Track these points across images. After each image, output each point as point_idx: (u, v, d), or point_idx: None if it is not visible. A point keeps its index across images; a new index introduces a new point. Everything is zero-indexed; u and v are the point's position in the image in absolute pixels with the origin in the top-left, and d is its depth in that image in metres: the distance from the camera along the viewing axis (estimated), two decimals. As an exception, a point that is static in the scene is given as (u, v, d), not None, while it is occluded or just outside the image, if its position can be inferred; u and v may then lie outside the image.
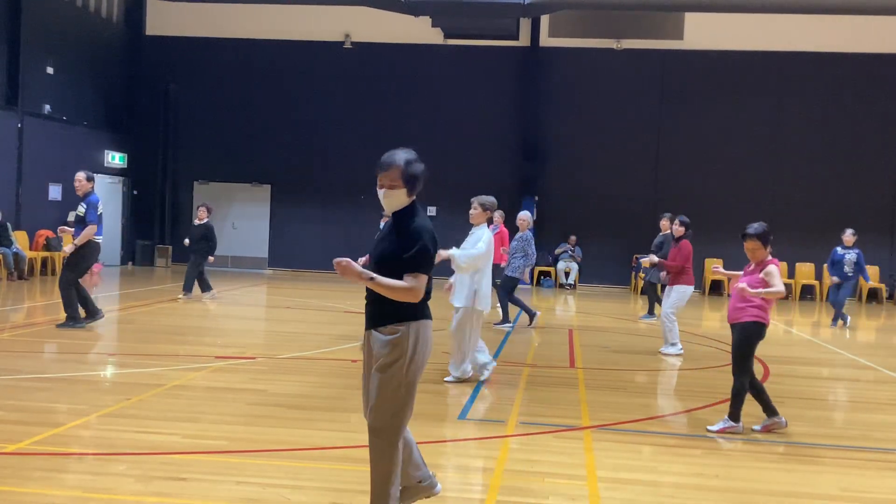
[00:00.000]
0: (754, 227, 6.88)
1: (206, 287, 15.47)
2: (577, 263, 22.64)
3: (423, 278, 4.15)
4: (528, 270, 13.29)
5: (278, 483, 5.13)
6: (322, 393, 7.81)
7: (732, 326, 6.91)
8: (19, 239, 18.54)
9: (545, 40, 23.01)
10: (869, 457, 6.39)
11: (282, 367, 9.13)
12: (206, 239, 15.25)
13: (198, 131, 23.99)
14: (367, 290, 4.25)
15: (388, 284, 4.10)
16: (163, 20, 24.07)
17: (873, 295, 21.43)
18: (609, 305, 18.26)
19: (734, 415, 6.84)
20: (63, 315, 11.19)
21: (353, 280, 4.09)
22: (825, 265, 16.68)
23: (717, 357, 10.85)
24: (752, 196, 21.98)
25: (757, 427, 6.92)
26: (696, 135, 22.55)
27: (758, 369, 8.14)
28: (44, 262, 19.40)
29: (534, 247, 13.21)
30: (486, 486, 5.24)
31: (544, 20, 22.87)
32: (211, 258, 15.38)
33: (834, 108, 22.16)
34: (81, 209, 10.98)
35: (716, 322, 15.21)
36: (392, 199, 4.24)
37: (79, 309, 11.03)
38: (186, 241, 15.58)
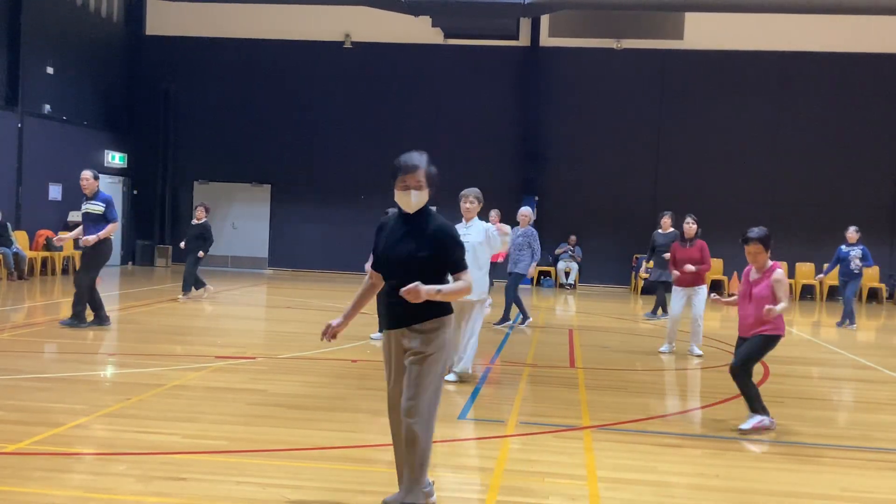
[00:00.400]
0: (756, 230, 6.89)
1: (199, 284, 15.37)
2: (577, 263, 22.64)
3: (469, 273, 4.51)
4: (534, 265, 13.18)
5: (278, 483, 5.12)
6: (322, 393, 7.81)
7: (752, 336, 6.87)
8: (19, 239, 18.54)
9: (545, 40, 23.01)
10: (869, 457, 6.39)
11: (282, 367, 9.12)
12: (202, 238, 15.19)
13: (198, 131, 24.00)
14: (391, 291, 4.43)
15: (455, 290, 4.41)
16: (163, 20, 24.07)
17: (873, 295, 21.42)
18: (609, 305, 18.26)
19: (757, 408, 6.85)
20: (67, 313, 11.18)
21: (421, 299, 4.27)
22: (825, 265, 16.72)
23: (717, 357, 10.84)
24: (752, 196, 21.98)
25: (744, 426, 6.90)
26: (696, 135, 22.55)
27: (757, 369, 8.14)
28: (44, 262, 19.40)
29: (539, 242, 13.16)
30: (486, 486, 5.24)
31: (544, 20, 22.87)
32: (201, 253, 15.01)
33: (834, 108, 22.16)
34: (97, 207, 10.96)
35: (715, 322, 15.19)
36: (420, 198, 4.45)
37: (86, 310, 11.02)
38: (182, 243, 15.55)
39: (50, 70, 20.52)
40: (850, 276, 15.11)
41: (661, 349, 11.14)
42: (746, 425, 6.84)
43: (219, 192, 23.68)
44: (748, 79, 22.40)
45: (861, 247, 15.15)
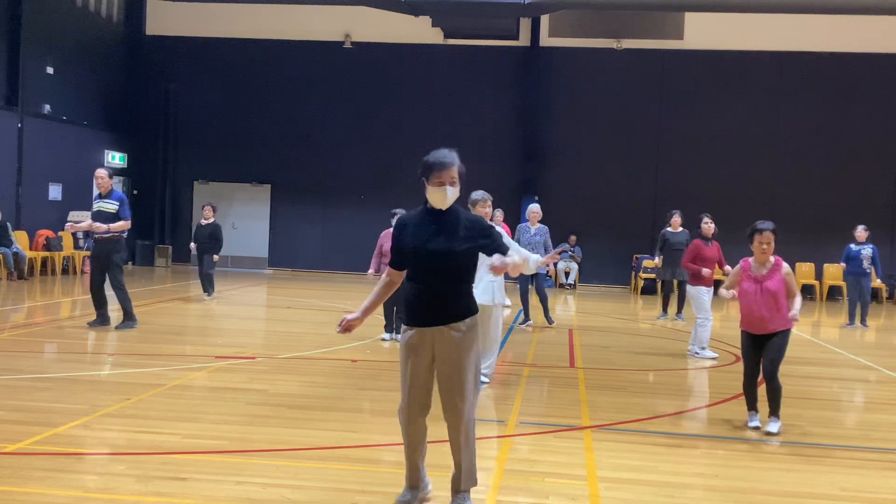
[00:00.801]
0: (768, 222, 6.99)
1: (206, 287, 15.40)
2: (577, 263, 22.64)
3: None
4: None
5: (278, 483, 5.12)
6: (322, 393, 7.81)
7: (774, 334, 6.83)
8: (19, 239, 18.54)
9: (545, 40, 23.00)
10: (869, 457, 6.39)
11: (282, 367, 9.12)
12: (214, 238, 15.23)
13: (198, 131, 23.99)
14: (436, 290, 4.48)
15: (518, 263, 4.63)
16: (163, 20, 24.07)
17: (873, 295, 21.37)
18: (609, 305, 18.26)
19: (779, 411, 6.88)
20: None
21: (504, 272, 4.56)
22: (825, 265, 16.72)
23: (717, 357, 10.83)
24: (752, 196, 21.96)
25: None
26: (696, 135, 22.54)
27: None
28: (44, 262, 19.39)
29: (550, 239, 13.15)
30: (487, 486, 5.23)
31: (544, 20, 22.86)
32: (216, 257, 15.26)
33: (834, 108, 22.14)
34: (110, 206, 10.96)
35: (714, 322, 15.17)
36: (454, 194, 4.54)
37: (107, 306, 11.04)
38: (192, 245, 15.51)
39: (50, 70, 20.51)
40: (861, 275, 15.04)
41: (702, 353, 10.78)
42: (774, 428, 6.82)
43: (219, 192, 23.66)
44: (748, 79, 22.39)
45: (871, 246, 15.07)
